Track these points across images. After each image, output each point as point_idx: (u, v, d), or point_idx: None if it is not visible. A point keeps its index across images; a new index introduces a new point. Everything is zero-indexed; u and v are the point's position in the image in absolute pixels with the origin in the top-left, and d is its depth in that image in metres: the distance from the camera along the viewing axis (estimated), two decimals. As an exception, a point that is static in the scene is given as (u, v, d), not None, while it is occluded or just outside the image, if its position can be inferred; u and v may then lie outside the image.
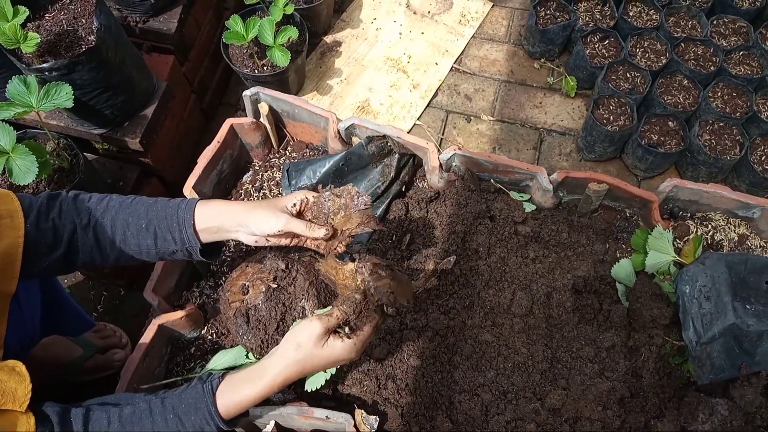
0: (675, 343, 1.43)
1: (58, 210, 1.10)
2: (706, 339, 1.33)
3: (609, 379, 1.43)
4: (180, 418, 1.02)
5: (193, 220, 1.15)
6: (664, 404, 1.42)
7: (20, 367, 0.96)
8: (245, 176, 1.75)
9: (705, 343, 1.34)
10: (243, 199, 1.70)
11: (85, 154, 1.68)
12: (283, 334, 1.37)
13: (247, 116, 1.70)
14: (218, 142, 1.60)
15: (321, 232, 1.18)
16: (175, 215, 1.15)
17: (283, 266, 1.43)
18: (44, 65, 1.44)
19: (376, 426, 1.27)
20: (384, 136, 1.61)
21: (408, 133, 1.64)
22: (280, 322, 1.37)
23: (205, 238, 1.17)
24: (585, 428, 1.38)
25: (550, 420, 1.39)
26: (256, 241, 1.20)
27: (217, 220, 1.17)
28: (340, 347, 1.07)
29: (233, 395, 1.06)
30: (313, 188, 1.59)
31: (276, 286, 1.38)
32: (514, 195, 1.64)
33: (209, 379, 1.07)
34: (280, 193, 1.70)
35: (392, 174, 1.62)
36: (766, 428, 1.38)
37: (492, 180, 1.65)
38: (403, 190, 1.68)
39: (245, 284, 1.42)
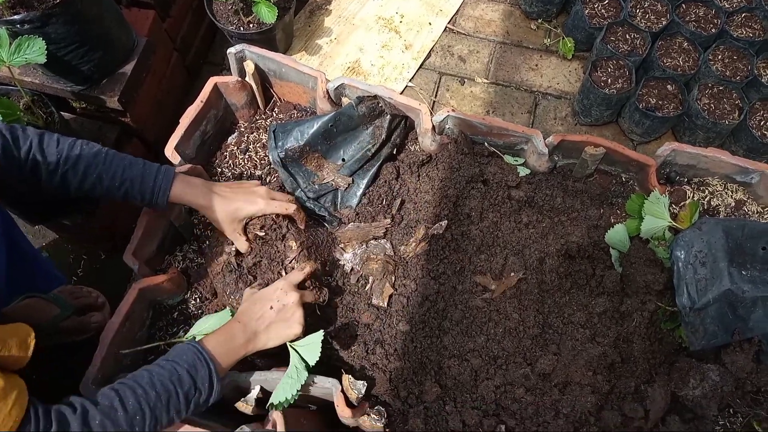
0: (668, 309, 1.41)
1: (20, 145, 1.11)
2: (700, 305, 1.31)
3: (600, 344, 1.41)
4: (172, 361, 1.06)
5: (169, 192, 1.23)
6: (654, 370, 1.40)
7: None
8: (230, 138, 1.69)
9: (699, 309, 1.32)
10: (228, 162, 1.64)
11: (62, 113, 1.61)
12: None
13: (232, 75, 1.63)
14: (201, 101, 1.54)
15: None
16: (151, 182, 1.21)
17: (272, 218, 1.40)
18: (15, 17, 1.37)
19: (363, 391, 1.24)
20: (375, 97, 1.55)
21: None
22: (269, 274, 1.35)
23: (172, 202, 1.27)
24: (575, 393, 1.37)
25: (540, 385, 1.38)
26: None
27: (189, 199, 1.28)
28: (270, 285, 1.24)
29: (212, 337, 1.14)
30: (301, 150, 1.54)
31: (264, 234, 1.35)
32: (508, 159, 1.60)
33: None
34: (266, 156, 1.65)
35: (383, 136, 1.56)
36: (755, 393, 1.37)
37: (486, 143, 1.60)
38: (395, 153, 1.63)
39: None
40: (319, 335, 1.21)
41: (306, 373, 1.20)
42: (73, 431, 0.93)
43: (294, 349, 1.22)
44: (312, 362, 1.20)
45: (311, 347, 1.21)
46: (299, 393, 1.18)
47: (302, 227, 1.42)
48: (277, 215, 1.38)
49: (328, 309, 1.42)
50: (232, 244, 1.39)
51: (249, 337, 1.16)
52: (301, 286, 1.27)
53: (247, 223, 1.36)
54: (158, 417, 1.01)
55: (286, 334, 1.19)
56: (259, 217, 1.36)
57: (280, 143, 1.57)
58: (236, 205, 1.32)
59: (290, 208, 1.37)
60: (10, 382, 0.91)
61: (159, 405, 1.01)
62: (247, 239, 1.36)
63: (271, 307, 1.19)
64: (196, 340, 1.12)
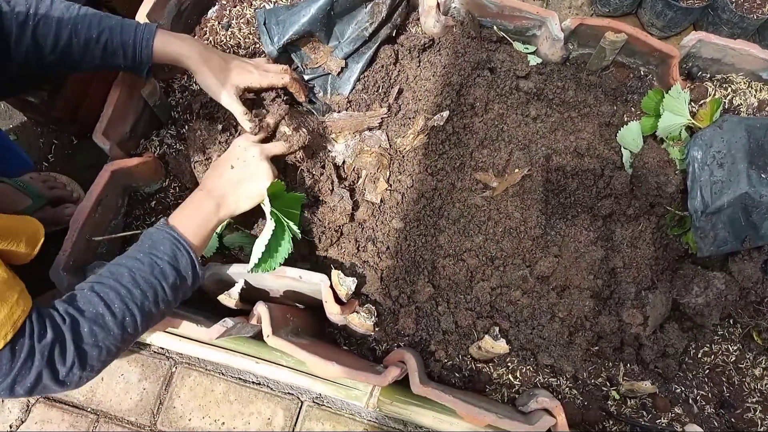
0: (677, 213, 1.33)
1: None
2: (713, 209, 1.23)
3: (603, 248, 1.35)
4: (150, 254, 0.97)
5: (153, 43, 1.12)
6: (657, 276, 1.35)
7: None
8: (210, 11, 1.51)
9: (711, 213, 1.25)
10: (208, 39, 1.47)
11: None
12: None
13: (211, -64, 1.44)
14: (176, -37, 1.35)
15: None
16: (132, 31, 1.10)
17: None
18: None
19: (353, 288, 1.17)
20: (374, -29, 1.37)
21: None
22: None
23: (157, 61, 1.15)
24: (573, 297, 1.32)
25: (537, 288, 1.32)
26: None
27: (178, 52, 1.15)
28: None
29: (180, 214, 1.05)
30: (298, 38, 1.37)
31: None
32: (518, 46, 1.45)
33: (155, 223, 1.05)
34: (251, 34, 1.48)
35: (383, 14, 1.39)
36: (758, 304, 1.33)
37: (495, 27, 1.44)
38: (393, 35, 1.47)
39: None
40: (299, 197, 1.18)
41: (288, 233, 1.15)
42: (67, 342, 0.86)
43: (272, 210, 1.13)
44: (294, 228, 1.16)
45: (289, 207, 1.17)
46: (290, 253, 1.15)
47: (303, 99, 1.34)
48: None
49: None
50: (214, 133, 1.27)
51: (217, 201, 1.07)
52: (267, 141, 1.20)
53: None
54: (148, 313, 0.95)
55: (255, 191, 1.12)
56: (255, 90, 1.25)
57: (275, 38, 1.38)
58: (231, 65, 1.20)
59: (285, 78, 1.26)
60: (13, 276, 0.86)
61: (146, 302, 0.94)
62: (245, 106, 1.22)
63: (232, 167, 1.11)
64: (165, 221, 1.03)
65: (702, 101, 1.42)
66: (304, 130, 1.23)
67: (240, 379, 1.49)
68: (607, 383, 1.29)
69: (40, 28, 1.02)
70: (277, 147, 1.19)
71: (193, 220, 1.04)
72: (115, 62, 1.11)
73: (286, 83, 1.27)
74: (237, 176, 1.10)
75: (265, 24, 1.37)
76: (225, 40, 1.47)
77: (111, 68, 1.14)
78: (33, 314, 0.85)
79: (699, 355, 1.34)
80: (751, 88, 1.44)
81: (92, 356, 0.89)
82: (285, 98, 1.32)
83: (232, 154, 1.13)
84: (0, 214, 0.96)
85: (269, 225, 1.12)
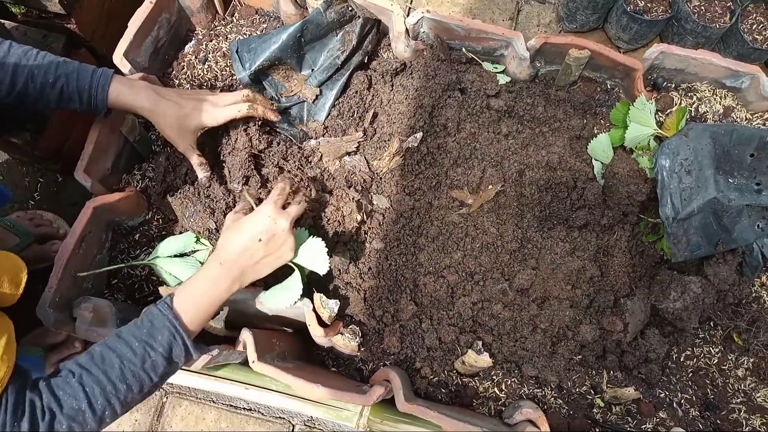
0: (650, 221, 1.36)
1: None
2: (684, 215, 1.27)
3: (580, 258, 1.38)
4: (146, 343, 0.95)
5: (108, 89, 1.14)
6: (634, 283, 1.38)
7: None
8: (187, 46, 1.55)
9: (682, 220, 1.28)
10: (186, 73, 1.51)
11: (1, 21, 1.46)
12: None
13: (184, -26, 1.48)
14: (151, 2, 1.39)
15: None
16: (88, 79, 1.12)
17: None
18: None
19: (336, 310, 1.20)
20: (345, 0, 1.41)
21: (370, -2, 1.44)
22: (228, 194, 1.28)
23: (112, 108, 1.18)
24: (553, 307, 1.34)
25: (518, 300, 1.35)
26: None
27: (130, 100, 1.17)
28: (254, 211, 1.07)
29: (188, 293, 1.01)
30: (269, 65, 1.41)
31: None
32: (487, 66, 1.49)
33: (160, 301, 1.01)
34: (227, 66, 1.52)
35: (354, 42, 1.44)
36: (736, 306, 1.35)
37: (464, 49, 1.49)
38: (366, 61, 1.51)
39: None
40: (319, 242, 1.12)
41: (301, 285, 1.14)
42: None
43: (296, 265, 1.13)
44: (323, 271, 1.12)
45: (315, 256, 1.12)
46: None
47: (274, 119, 1.34)
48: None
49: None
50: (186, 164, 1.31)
51: (234, 277, 1.03)
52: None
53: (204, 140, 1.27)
54: (130, 404, 0.96)
55: (280, 263, 1.09)
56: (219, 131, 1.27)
57: (247, 65, 1.43)
58: (185, 112, 1.20)
59: (242, 109, 1.25)
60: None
61: (130, 395, 0.94)
62: (202, 156, 1.26)
63: (260, 240, 1.04)
64: (172, 297, 1.01)
65: (668, 110, 1.46)
66: (310, 187, 1.28)
67: (231, 405, 1.50)
68: (592, 391, 1.31)
69: None
70: (299, 209, 1.13)
71: (202, 299, 1.01)
72: (71, 106, 1.14)
73: (245, 114, 1.26)
74: (264, 252, 1.05)
75: (237, 52, 1.42)
76: (202, 74, 1.51)
77: (68, 110, 1.17)
78: (9, 388, 0.85)
79: (681, 359, 1.36)
80: (716, 95, 1.48)
81: None
82: (259, 122, 1.35)
83: (260, 224, 1.04)
84: None
85: (298, 283, 1.14)
